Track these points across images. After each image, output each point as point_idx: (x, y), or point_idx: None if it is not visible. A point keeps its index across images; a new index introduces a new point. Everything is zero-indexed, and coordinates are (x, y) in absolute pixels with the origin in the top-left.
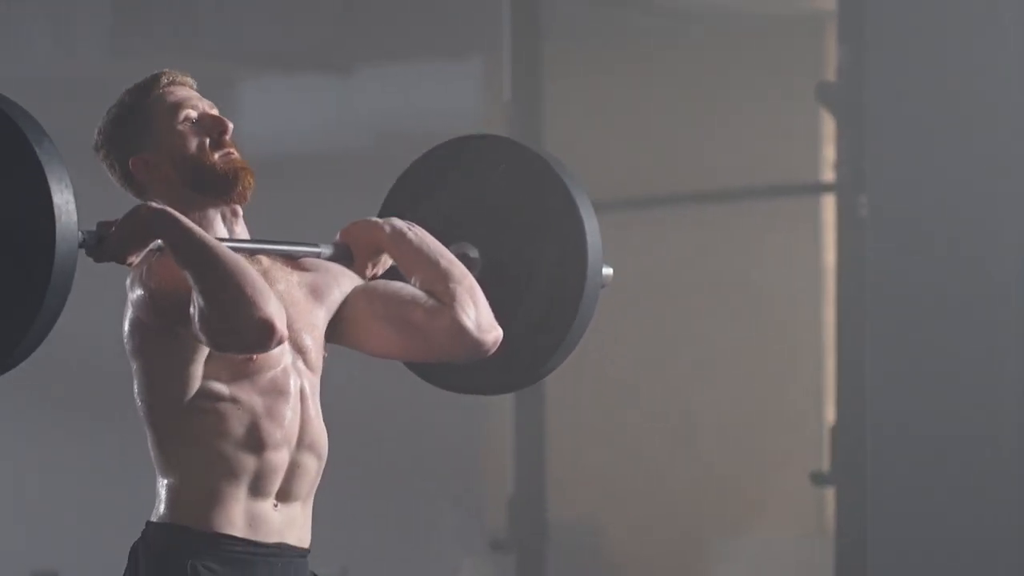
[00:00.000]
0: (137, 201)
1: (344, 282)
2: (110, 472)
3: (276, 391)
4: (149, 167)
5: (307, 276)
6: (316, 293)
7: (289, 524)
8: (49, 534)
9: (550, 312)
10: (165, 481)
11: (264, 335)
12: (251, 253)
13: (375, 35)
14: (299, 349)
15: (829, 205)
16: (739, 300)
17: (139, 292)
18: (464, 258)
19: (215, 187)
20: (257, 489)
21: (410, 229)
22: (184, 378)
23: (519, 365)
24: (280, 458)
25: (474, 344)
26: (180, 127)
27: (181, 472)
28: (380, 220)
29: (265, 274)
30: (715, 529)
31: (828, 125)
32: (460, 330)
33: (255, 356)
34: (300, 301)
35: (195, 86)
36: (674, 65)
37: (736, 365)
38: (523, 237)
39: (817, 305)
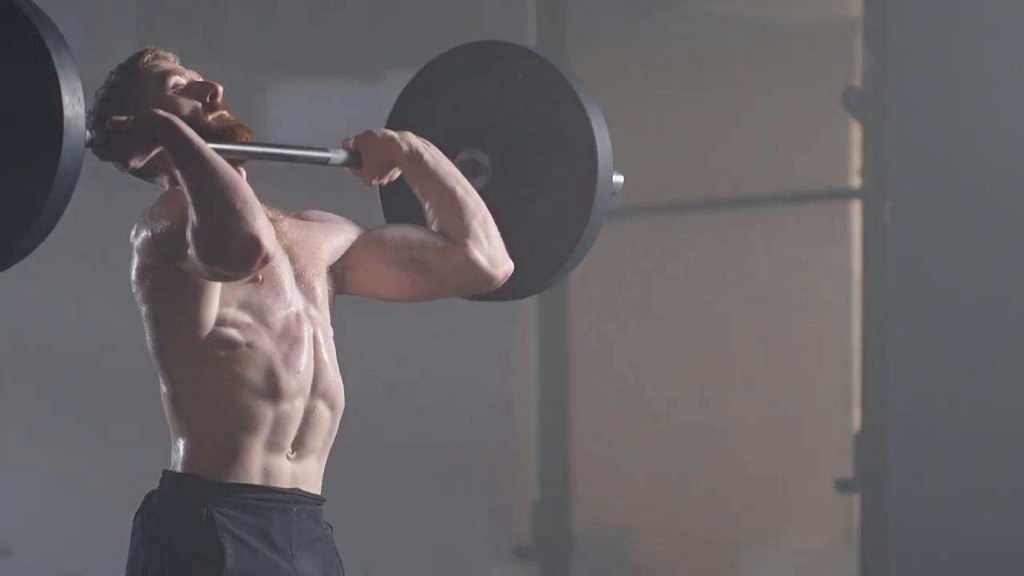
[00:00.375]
0: (131, 179)
1: (348, 229)
2: (135, 475)
3: (291, 337)
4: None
5: (314, 225)
6: (324, 236)
7: (304, 476)
8: (73, 535)
9: (561, 219)
10: (180, 438)
11: (251, 251)
12: (256, 157)
13: (404, 41)
14: (310, 295)
15: (857, 211)
16: (767, 306)
17: (143, 235)
18: (473, 163)
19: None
20: (273, 443)
21: (427, 150)
22: (196, 320)
23: (527, 273)
24: (295, 408)
25: (486, 279)
26: (170, 93)
27: (197, 425)
28: (397, 136)
29: (274, 219)
30: (742, 537)
31: (856, 131)
32: (473, 267)
33: (260, 278)
34: (307, 243)
35: (178, 61)
36: (700, 72)
37: (764, 371)
38: (534, 145)
39: (846, 312)
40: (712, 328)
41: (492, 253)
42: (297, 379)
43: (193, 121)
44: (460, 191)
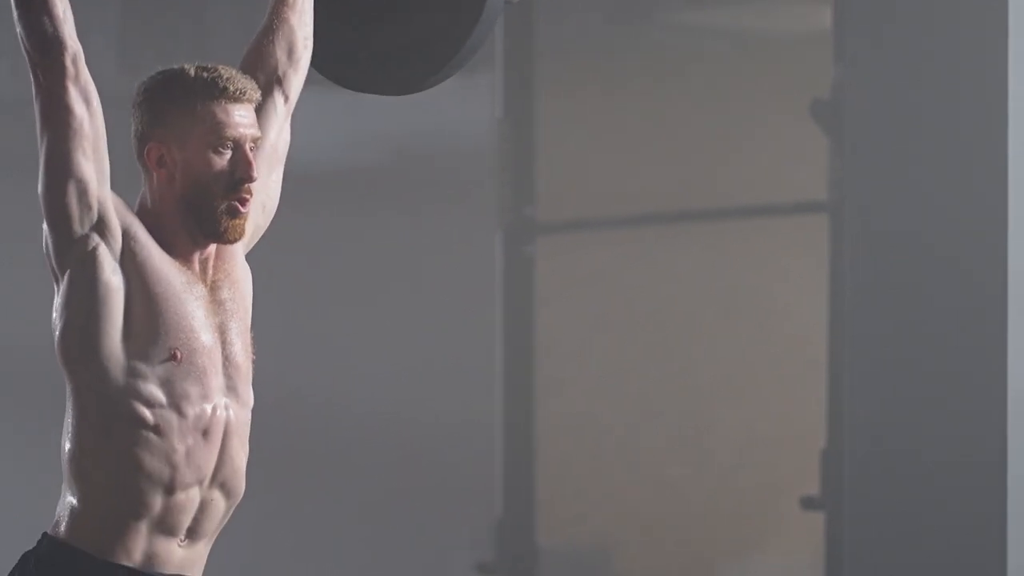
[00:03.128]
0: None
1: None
2: None
3: (201, 429)
4: (160, 163)
5: (238, 280)
6: (246, 296)
7: (191, 561)
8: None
9: (455, 7)
10: (70, 498)
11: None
12: None
13: None
14: (233, 379)
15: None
16: (741, 321)
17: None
18: None
19: (202, 224)
20: (163, 527)
21: None
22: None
23: (421, 61)
24: (190, 497)
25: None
26: (211, 153)
27: (88, 493)
28: None
29: (214, 286)
30: (714, 553)
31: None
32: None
33: (178, 356)
34: (239, 309)
35: (259, 98)
36: (671, 82)
37: (737, 386)
38: None
39: (818, 326)
40: (683, 342)
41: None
42: (197, 473)
43: (208, 193)
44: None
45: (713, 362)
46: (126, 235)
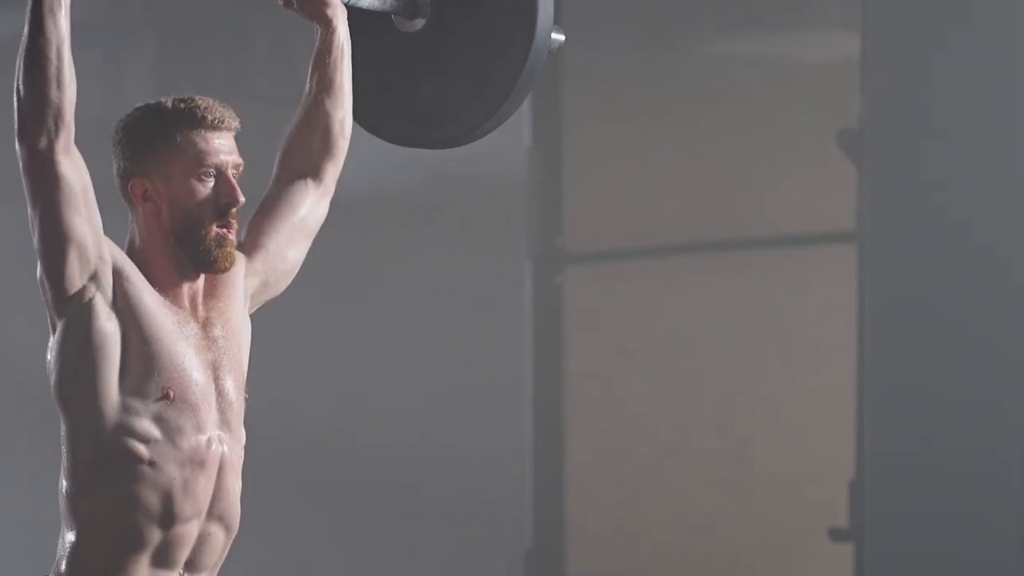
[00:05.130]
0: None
1: (242, 278)
2: None
3: (196, 462)
4: (146, 198)
5: (231, 317)
6: (240, 333)
7: None
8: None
9: (495, 68)
10: (69, 536)
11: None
12: None
13: None
14: (226, 414)
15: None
16: (768, 350)
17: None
18: (412, 3)
19: (193, 255)
20: (163, 560)
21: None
22: (103, 397)
23: (458, 118)
24: (188, 531)
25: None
26: (194, 181)
27: (86, 530)
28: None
29: (207, 323)
30: None
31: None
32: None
33: (171, 395)
34: (232, 347)
35: (237, 128)
36: (700, 111)
37: (764, 415)
38: None
39: (845, 356)
40: (712, 372)
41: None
42: (194, 505)
43: (195, 222)
44: (348, 80)
45: (742, 391)
46: (119, 277)
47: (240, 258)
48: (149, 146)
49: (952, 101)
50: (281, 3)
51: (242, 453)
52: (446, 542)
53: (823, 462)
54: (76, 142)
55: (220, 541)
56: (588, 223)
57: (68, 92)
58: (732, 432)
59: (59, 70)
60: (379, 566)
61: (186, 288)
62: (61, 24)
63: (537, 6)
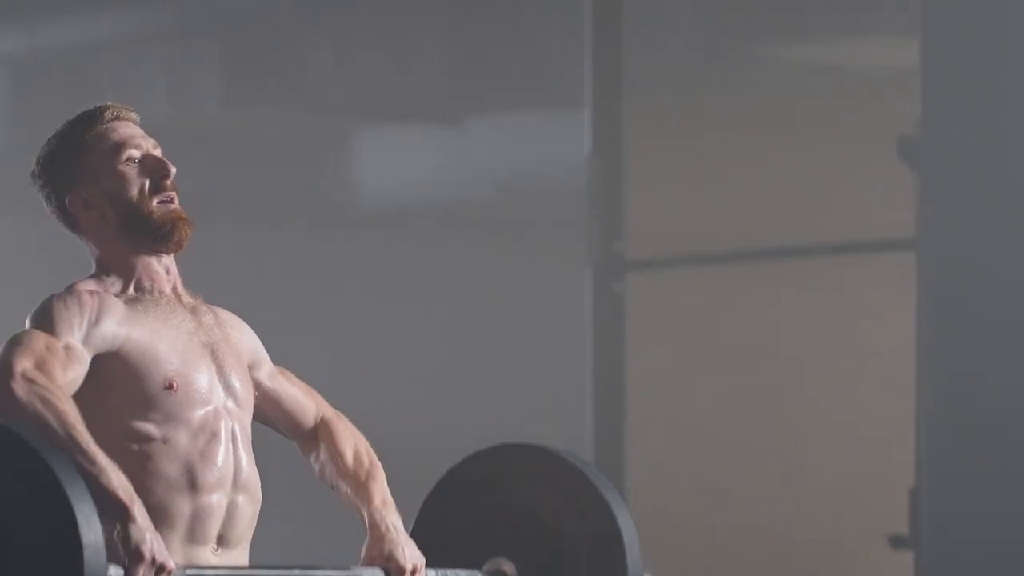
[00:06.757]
0: (69, 234)
1: (259, 358)
2: None
3: (208, 432)
4: (87, 205)
5: (235, 330)
6: (245, 344)
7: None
8: None
9: None
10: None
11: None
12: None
13: (485, 85)
14: (229, 391)
15: (913, 261)
16: (828, 357)
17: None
18: (500, 574)
19: (151, 235)
20: (195, 535)
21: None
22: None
23: None
24: (216, 501)
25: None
26: (121, 167)
27: None
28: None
29: (195, 310)
30: None
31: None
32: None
33: (174, 385)
34: (229, 342)
35: (138, 121)
36: (759, 118)
37: (831, 422)
38: (562, 553)
39: (906, 363)
40: (772, 379)
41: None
42: (215, 473)
43: (137, 204)
44: None
45: (802, 399)
46: (98, 338)
47: (253, 338)
48: (67, 161)
49: (1011, 108)
50: None
51: (249, 422)
52: None
53: (883, 469)
54: None
55: (248, 513)
56: (648, 230)
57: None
58: (791, 439)
59: None
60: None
61: (163, 273)
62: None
63: (627, 567)
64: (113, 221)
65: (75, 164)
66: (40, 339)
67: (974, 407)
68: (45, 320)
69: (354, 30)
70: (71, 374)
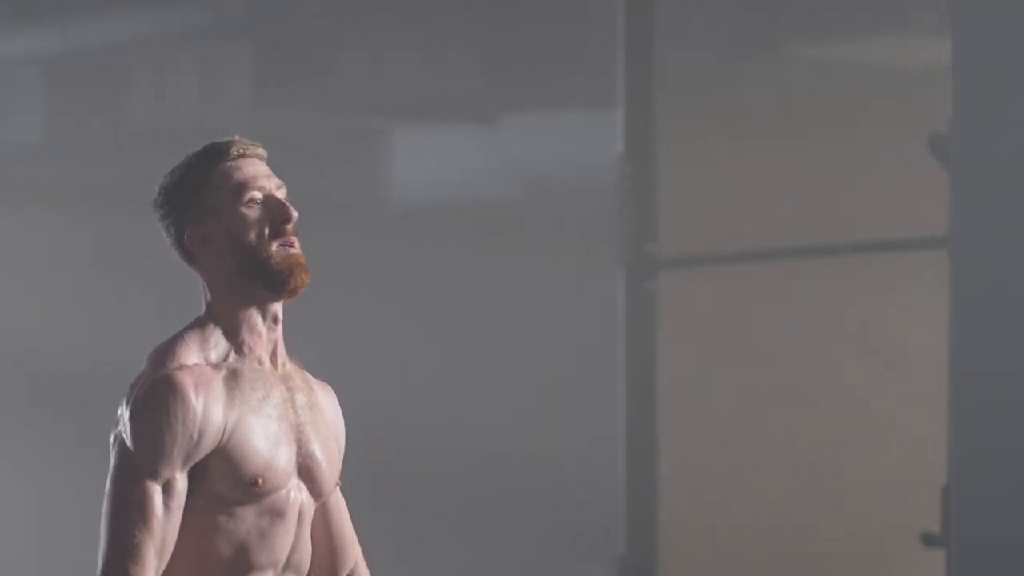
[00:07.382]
0: (183, 264)
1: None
2: None
3: (274, 512)
4: (204, 241)
5: (327, 412)
6: (340, 429)
7: None
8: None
9: None
10: None
11: None
12: None
13: (519, 84)
14: (307, 474)
15: (945, 259)
16: (860, 356)
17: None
18: None
19: (266, 280)
20: None
21: None
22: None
23: None
24: None
25: None
26: (243, 208)
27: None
28: None
29: (290, 386)
30: None
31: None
32: None
33: (260, 483)
34: (320, 424)
35: (265, 157)
36: (792, 116)
37: (863, 420)
38: None
39: (938, 362)
40: (805, 377)
41: None
42: (271, 556)
43: (256, 247)
44: None
45: (835, 397)
46: (206, 446)
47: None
48: (190, 195)
49: None
50: None
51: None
52: (539, 548)
53: (915, 468)
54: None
55: None
56: (681, 229)
57: None
58: (824, 438)
59: None
60: (473, 570)
61: (267, 336)
62: None
63: None
64: (230, 262)
65: (197, 200)
66: (137, 491)
67: (1006, 406)
68: (147, 434)
69: (386, 30)
70: (170, 526)
